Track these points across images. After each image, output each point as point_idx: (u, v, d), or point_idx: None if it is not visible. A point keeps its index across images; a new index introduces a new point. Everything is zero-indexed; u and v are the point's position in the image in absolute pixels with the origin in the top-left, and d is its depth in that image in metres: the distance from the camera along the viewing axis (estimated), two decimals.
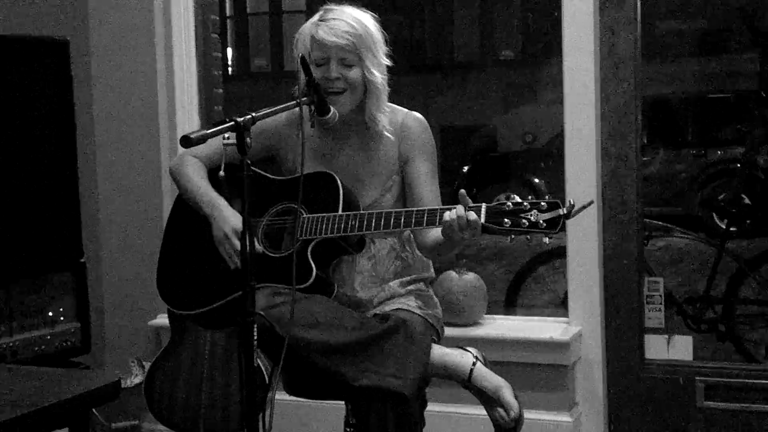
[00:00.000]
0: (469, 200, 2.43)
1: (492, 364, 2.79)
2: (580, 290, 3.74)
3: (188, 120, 4.18)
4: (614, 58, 3.67)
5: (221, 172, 2.35)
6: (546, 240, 2.38)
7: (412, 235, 2.82)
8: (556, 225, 2.36)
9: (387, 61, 2.76)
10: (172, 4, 4.13)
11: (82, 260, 3.70)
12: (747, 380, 3.66)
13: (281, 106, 2.53)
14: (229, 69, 17.54)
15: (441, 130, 13.73)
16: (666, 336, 3.85)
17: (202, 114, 4.25)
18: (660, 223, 5.02)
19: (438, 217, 2.47)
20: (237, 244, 2.63)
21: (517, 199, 2.40)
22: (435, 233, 2.60)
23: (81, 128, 3.81)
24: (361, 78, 2.70)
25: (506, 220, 2.38)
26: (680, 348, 3.83)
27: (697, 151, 10.52)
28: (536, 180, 11.23)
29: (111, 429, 4.03)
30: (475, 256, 8.80)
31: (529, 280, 5.59)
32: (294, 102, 2.56)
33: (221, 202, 2.73)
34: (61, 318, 3.62)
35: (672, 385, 3.74)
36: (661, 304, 3.85)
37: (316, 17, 2.73)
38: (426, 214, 2.50)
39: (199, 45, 4.24)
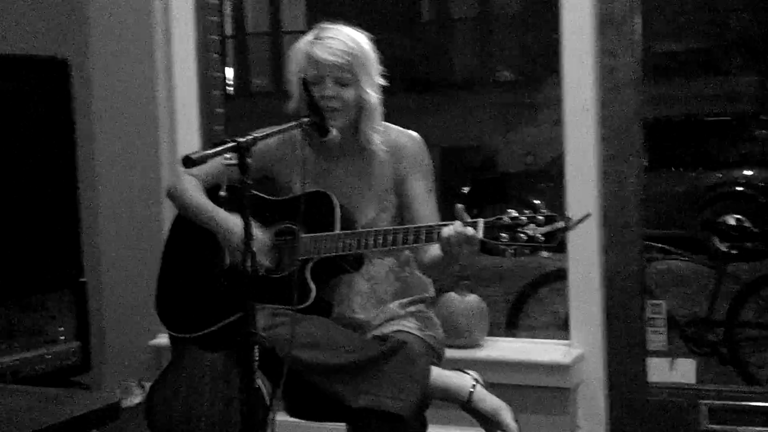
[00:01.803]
0: (467, 215, 2.42)
1: (493, 387, 2.78)
2: (582, 312, 3.72)
3: (189, 139, 4.17)
4: (615, 80, 3.67)
5: (222, 192, 2.34)
6: (544, 254, 2.37)
7: (411, 255, 2.80)
8: (555, 238, 2.34)
9: (382, 81, 2.76)
10: (172, 24, 4.14)
11: (83, 279, 3.70)
12: (750, 403, 3.64)
13: (283, 126, 2.52)
14: (229, 89, 17.59)
15: (441, 150, 13.75)
16: (669, 359, 3.84)
17: (203, 133, 4.25)
18: (660, 245, 5.01)
19: (436, 234, 2.46)
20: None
21: (515, 213, 2.38)
22: (434, 250, 2.58)
23: (81, 147, 3.81)
24: (356, 97, 2.69)
25: (504, 234, 2.37)
26: (683, 371, 3.82)
27: (697, 173, 10.52)
28: (536, 201, 11.24)
29: None
30: (477, 278, 8.79)
31: (531, 302, 5.57)
32: (295, 123, 2.56)
33: (223, 213, 2.71)
34: (61, 337, 3.61)
35: (675, 408, 3.72)
36: (663, 326, 3.84)
37: (310, 35, 2.72)
38: (424, 231, 2.49)
39: (200, 65, 4.24)
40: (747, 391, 3.91)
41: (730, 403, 3.66)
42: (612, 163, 3.70)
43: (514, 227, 2.36)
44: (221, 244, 2.75)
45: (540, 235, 2.34)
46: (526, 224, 2.35)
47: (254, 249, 2.53)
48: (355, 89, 2.68)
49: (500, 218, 2.38)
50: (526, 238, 2.34)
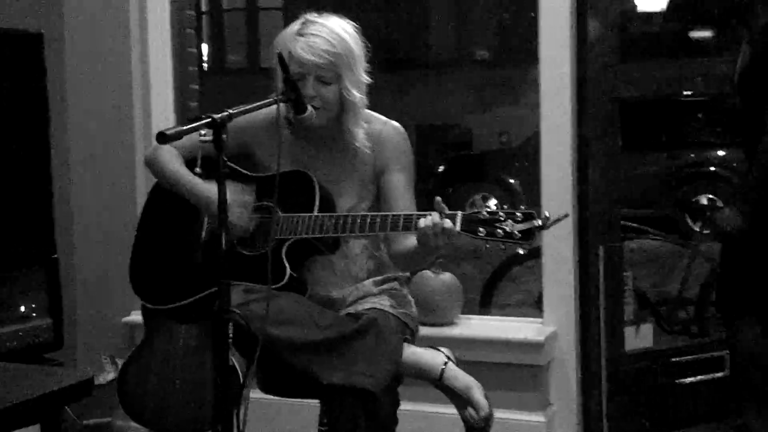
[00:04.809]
0: (445, 207, 2.43)
1: (466, 364, 2.79)
2: (555, 291, 3.74)
3: (163, 116, 4.15)
4: (591, 60, 3.67)
5: (197, 168, 2.33)
6: (521, 251, 2.40)
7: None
8: (531, 236, 2.38)
9: (367, 79, 2.71)
10: None
11: (55, 256, 3.67)
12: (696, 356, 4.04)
13: (258, 103, 2.51)
14: (205, 65, 17.46)
15: (416, 129, 13.72)
16: (634, 327, 3.93)
17: (178, 110, 4.23)
18: (633, 224, 5.03)
19: (413, 223, 2.46)
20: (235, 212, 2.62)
21: (493, 207, 2.41)
22: (409, 242, 2.59)
23: (54, 122, 3.78)
24: (338, 96, 2.65)
25: (481, 229, 2.39)
26: (645, 336, 4.01)
27: (670, 153, 10.55)
28: (511, 180, 11.26)
29: (82, 426, 4.00)
30: (451, 256, 8.80)
31: (505, 280, 5.59)
32: (271, 99, 2.54)
33: (201, 183, 2.69)
34: (33, 314, 3.59)
35: (645, 371, 3.91)
36: (629, 297, 3.97)
37: (295, 27, 2.66)
38: (402, 219, 2.50)
39: (175, 40, 4.21)
40: (690, 345, 4.36)
41: (685, 358, 4.01)
42: (588, 143, 3.72)
43: (492, 222, 2.38)
44: (202, 211, 2.74)
45: (517, 232, 2.36)
46: (504, 220, 2.37)
47: (233, 212, 2.54)
48: (338, 87, 2.65)
49: (479, 212, 2.40)
50: (503, 233, 2.37)
